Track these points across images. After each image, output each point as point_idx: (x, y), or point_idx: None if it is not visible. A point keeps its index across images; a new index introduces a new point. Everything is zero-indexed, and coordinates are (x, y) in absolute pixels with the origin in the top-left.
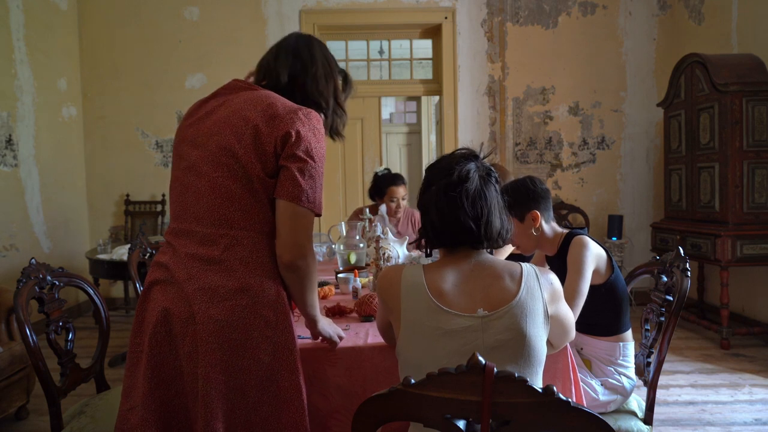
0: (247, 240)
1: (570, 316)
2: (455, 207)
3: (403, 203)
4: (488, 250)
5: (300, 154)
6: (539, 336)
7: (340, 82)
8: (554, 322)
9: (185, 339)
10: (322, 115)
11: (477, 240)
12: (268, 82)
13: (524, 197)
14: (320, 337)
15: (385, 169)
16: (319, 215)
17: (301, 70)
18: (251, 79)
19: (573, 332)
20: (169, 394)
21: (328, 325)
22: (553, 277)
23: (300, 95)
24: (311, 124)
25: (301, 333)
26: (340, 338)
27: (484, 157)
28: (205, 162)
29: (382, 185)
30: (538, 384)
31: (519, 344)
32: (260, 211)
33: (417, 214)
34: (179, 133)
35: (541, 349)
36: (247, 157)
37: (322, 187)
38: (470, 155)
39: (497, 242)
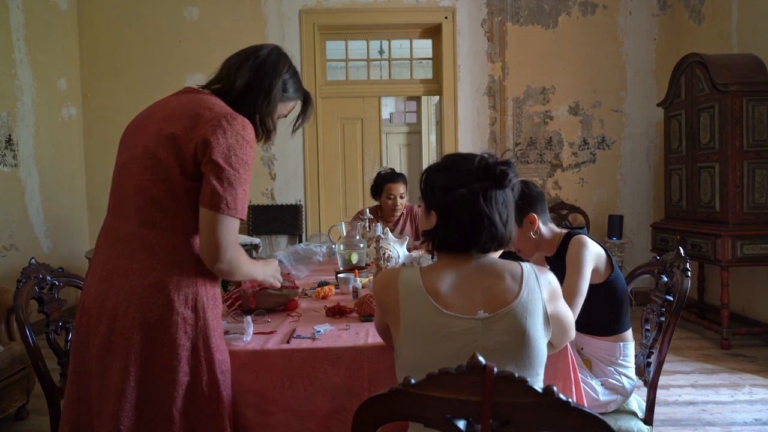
0: (167, 240)
1: (569, 315)
2: (489, 213)
3: (402, 201)
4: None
5: (219, 161)
6: (540, 337)
7: (289, 106)
8: (554, 321)
9: (95, 338)
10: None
11: (496, 246)
12: (223, 86)
13: (520, 202)
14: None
15: (390, 168)
16: (242, 219)
17: (258, 86)
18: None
19: (573, 331)
20: (80, 391)
21: (267, 274)
22: (552, 277)
23: (245, 108)
24: (234, 130)
25: (301, 332)
26: (280, 282)
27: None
28: (133, 163)
29: (380, 182)
30: (538, 385)
31: (519, 346)
32: (182, 213)
33: (417, 210)
34: (124, 132)
35: (541, 351)
36: (168, 161)
37: (246, 192)
38: (505, 161)
39: (508, 245)
